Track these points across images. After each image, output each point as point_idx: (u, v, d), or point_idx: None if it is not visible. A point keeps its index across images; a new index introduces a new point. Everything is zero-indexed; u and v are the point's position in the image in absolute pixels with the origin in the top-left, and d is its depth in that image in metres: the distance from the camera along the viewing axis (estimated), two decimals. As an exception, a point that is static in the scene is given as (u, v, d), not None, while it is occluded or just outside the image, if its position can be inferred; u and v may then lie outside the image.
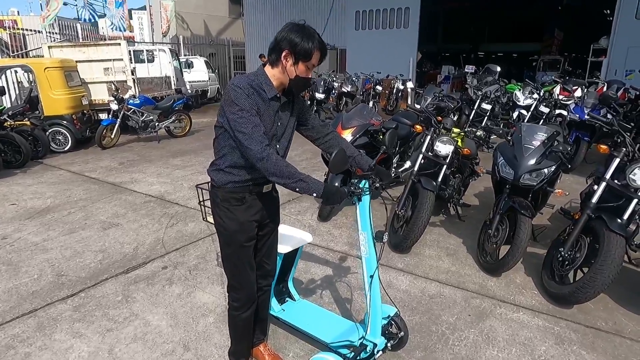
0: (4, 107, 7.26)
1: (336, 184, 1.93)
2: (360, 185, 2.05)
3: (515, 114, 8.08)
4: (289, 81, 1.86)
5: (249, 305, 2.13)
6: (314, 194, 1.83)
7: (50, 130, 7.80)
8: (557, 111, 7.50)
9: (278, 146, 1.98)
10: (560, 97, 7.87)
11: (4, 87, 8.93)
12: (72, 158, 7.56)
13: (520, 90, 8.41)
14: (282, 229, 2.62)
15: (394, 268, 3.59)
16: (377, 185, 2.12)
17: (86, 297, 3.16)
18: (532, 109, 7.60)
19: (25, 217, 4.72)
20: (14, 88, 9.59)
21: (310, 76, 1.91)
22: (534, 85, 8.09)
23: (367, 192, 2.07)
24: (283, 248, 2.41)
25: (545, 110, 7.41)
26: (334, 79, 11.91)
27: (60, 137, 7.96)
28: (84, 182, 6.08)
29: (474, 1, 19.53)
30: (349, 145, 2.23)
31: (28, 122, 7.31)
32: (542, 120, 7.18)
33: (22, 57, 11.76)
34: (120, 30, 11.71)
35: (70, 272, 3.51)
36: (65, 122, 7.86)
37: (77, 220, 4.62)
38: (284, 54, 1.81)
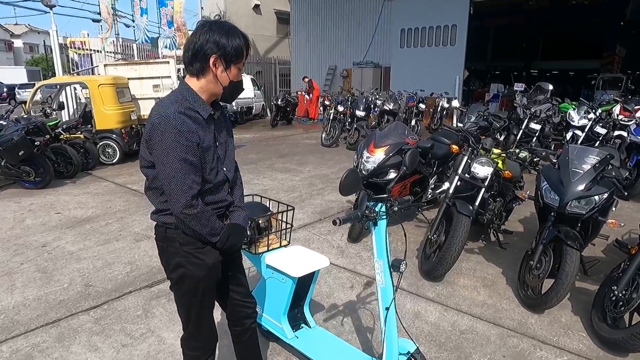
0: (59, 121, 7.75)
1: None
2: (376, 209, 1.90)
3: (569, 135, 7.55)
4: (223, 89, 1.59)
5: (210, 353, 1.86)
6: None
7: (100, 143, 8.21)
8: (616, 132, 6.95)
9: (225, 169, 1.71)
10: (620, 117, 7.28)
11: (63, 102, 9.59)
12: (119, 170, 7.89)
13: (574, 109, 7.88)
14: (298, 251, 2.50)
15: (423, 297, 3.34)
16: (395, 208, 1.96)
17: (108, 309, 3.18)
18: (586, 130, 7.07)
19: (66, 226, 4.91)
20: (73, 103, 10.25)
21: (241, 77, 1.64)
22: (590, 105, 7.54)
23: (384, 217, 1.91)
24: (297, 272, 2.28)
25: (602, 131, 6.88)
26: (377, 96, 11.76)
27: (109, 150, 8.34)
28: (125, 193, 6.29)
29: (527, 17, 18.80)
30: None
31: (81, 135, 7.75)
32: (598, 142, 6.65)
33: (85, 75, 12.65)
34: (172, 49, 12.26)
35: (97, 283, 3.57)
36: (114, 135, 8.24)
37: (112, 232, 4.74)
38: (212, 60, 1.52)
